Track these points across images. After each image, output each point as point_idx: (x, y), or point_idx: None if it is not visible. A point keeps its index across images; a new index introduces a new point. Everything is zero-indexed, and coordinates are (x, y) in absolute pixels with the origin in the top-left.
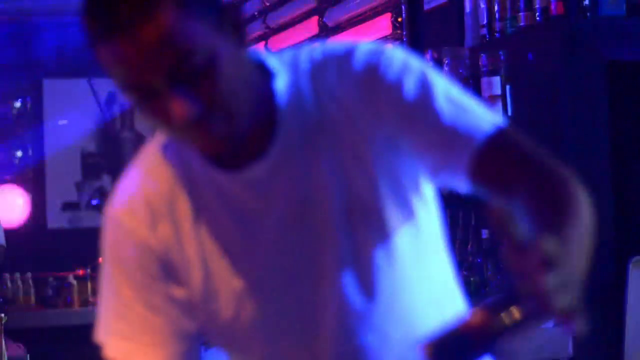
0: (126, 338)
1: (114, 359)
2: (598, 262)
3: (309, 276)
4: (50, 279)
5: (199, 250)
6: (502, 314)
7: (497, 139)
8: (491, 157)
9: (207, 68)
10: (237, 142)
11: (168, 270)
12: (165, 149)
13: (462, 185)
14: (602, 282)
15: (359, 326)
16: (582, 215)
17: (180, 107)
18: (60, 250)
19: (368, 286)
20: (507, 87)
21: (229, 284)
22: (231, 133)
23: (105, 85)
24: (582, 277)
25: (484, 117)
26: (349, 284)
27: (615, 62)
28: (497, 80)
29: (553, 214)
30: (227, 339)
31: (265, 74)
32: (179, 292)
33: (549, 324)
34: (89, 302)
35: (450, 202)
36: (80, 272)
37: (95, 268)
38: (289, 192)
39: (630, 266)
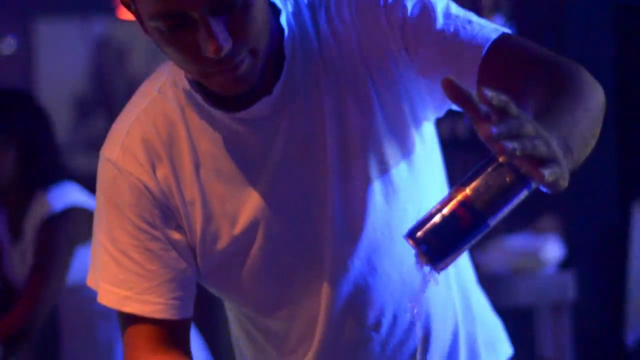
0: (120, 285)
1: (109, 305)
2: (601, 205)
3: (309, 215)
4: None
5: (199, 193)
6: (474, 183)
7: (503, 42)
8: (499, 59)
9: (244, 3)
10: (254, 81)
11: (166, 215)
12: (162, 91)
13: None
14: (605, 225)
15: (358, 265)
16: (588, 100)
17: (215, 40)
18: None
19: (364, 225)
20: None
21: (229, 226)
22: (253, 71)
23: (99, 27)
24: (576, 157)
25: (487, 26)
26: (346, 223)
27: (623, 5)
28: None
29: (552, 100)
30: (226, 282)
31: (272, 10)
32: (177, 237)
33: (550, 269)
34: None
35: (451, 146)
36: None
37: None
38: (290, 131)
39: (634, 208)
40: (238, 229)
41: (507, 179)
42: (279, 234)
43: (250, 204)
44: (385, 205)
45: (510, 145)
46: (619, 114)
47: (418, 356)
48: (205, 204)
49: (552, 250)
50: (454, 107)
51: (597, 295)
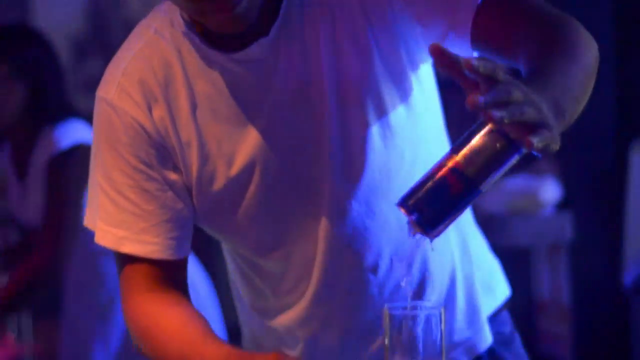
0: (117, 225)
1: (106, 245)
2: (599, 146)
3: (306, 157)
4: None
5: (195, 134)
6: (465, 149)
7: None
8: (494, 11)
9: None
10: (251, 21)
11: (163, 155)
12: (158, 31)
13: (467, 49)
14: (603, 166)
15: (356, 207)
16: (581, 59)
17: None
18: None
19: (362, 166)
20: None
21: (225, 166)
22: (251, 10)
23: None
24: (568, 118)
25: None
26: (344, 165)
27: None
28: None
29: (546, 58)
30: (222, 223)
31: None
32: (173, 177)
33: (548, 210)
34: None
35: (449, 87)
36: None
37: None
38: (287, 73)
39: (631, 150)
40: (234, 169)
41: (498, 145)
42: (275, 175)
43: (246, 145)
44: (383, 148)
45: (498, 113)
46: (617, 55)
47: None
48: (201, 145)
49: (550, 191)
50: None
51: (594, 236)
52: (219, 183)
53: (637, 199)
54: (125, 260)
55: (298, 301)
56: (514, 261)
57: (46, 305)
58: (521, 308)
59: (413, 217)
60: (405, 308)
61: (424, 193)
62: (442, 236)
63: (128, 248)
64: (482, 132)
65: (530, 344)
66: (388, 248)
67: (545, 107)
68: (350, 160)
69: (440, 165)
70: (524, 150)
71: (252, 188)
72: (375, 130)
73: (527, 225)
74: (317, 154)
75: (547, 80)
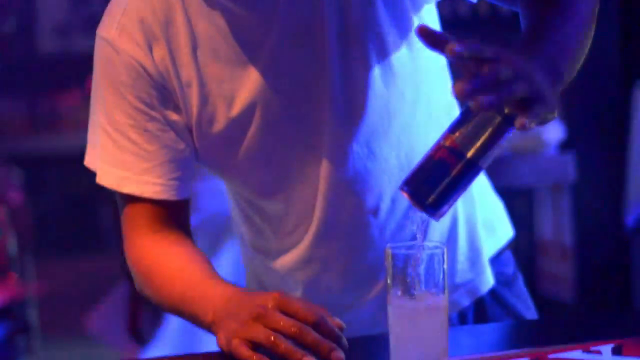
0: (119, 165)
1: (108, 186)
2: (603, 86)
3: (307, 98)
4: (44, 103)
5: (195, 74)
6: (461, 128)
7: None
8: None
9: None
10: None
11: (164, 95)
12: None
13: None
14: (606, 106)
15: (357, 149)
16: (579, 13)
17: None
18: (53, 75)
19: (363, 108)
20: None
21: (226, 107)
22: None
23: None
24: (566, 77)
25: None
26: (345, 106)
27: None
28: None
29: (543, 15)
30: (223, 164)
31: None
32: (175, 118)
33: (550, 151)
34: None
35: (452, 25)
36: (73, 97)
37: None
38: (288, 13)
39: (635, 90)
40: (235, 110)
41: (493, 122)
42: (276, 116)
43: (247, 86)
44: (384, 90)
45: (487, 99)
46: None
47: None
48: (202, 85)
49: (553, 131)
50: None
51: (597, 176)
52: (219, 124)
53: None
54: (126, 200)
55: (299, 242)
56: (517, 201)
57: (49, 245)
58: (523, 248)
59: (416, 200)
60: (407, 248)
61: (425, 176)
62: None
63: (129, 188)
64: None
65: (531, 284)
66: (389, 190)
67: (540, 75)
68: (351, 102)
69: (438, 146)
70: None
71: (252, 129)
72: (376, 71)
73: (530, 165)
74: (317, 95)
75: (545, 40)
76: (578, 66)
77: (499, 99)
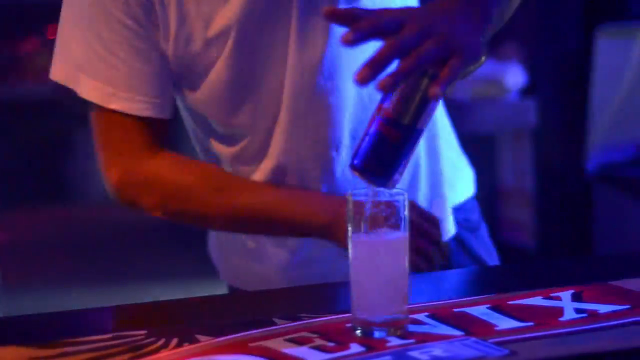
0: (105, 81)
1: (94, 100)
2: (564, 31)
3: (276, 27)
4: (3, 50)
5: None
6: (393, 97)
7: None
8: None
9: None
10: None
11: (149, 13)
12: None
13: None
14: (568, 51)
15: (320, 81)
16: None
17: None
18: (12, 21)
19: (326, 39)
20: None
21: (203, 28)
22: None
23: None
24: (492, 20)
25: None
26: (310, 36)
27: None
28: None
29: None
30: (195, 85)
31: None
32: (157, 36)
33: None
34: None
35: None
36: (33, 43)
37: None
38: None
39: (597, 36)
40: (211, 31)
41: (420, 85)
42: (249, 40)
43: (226, 8)
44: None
45: (390, 80)
46: None
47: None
48: (180, 4)
49: (514, 76)
50: None
51: (558, 123)
52: (195, 45)
53: (602, 84)
54: (110, 118)
55: (255, 173)
56: (478, 148)
57: (8, 195)
58: (484, 195)
59: (367, 177)
60: (368, 193)
61: (369, 151)
62: None
63: (117, 105)
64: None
65: (493, 230)
66: (350, 125)
67: (460, 29)
68: (313, 33)
69: (374, 120)
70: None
71: (225, 53)
72: (342, 4)
73: (490, 111)
74: (285, 22)
75: None
76: (515, 5)
77: (414, 66)
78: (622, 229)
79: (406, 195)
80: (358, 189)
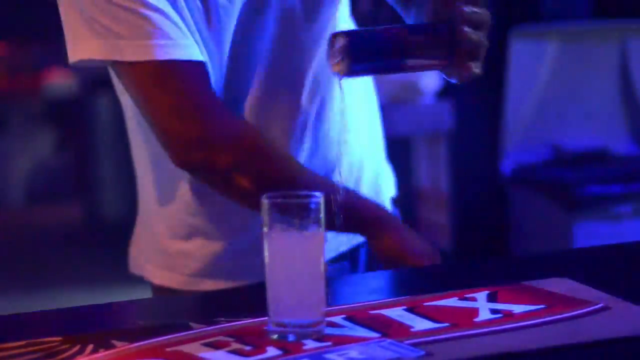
0: (149, 37)
1: (146, 57)
2: None
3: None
4: None
5: None
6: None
7: None
8: None
9: None
10: None
11: None
12: None
13: None
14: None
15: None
16: None
17: None
18: None
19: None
20: None
21: None
22: None
23: None
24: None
25: None
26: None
27: None
28: None
29: None
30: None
31: None
32: None
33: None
34: None
35: None
36: None
37: None
38: None
39: (511, 38)
40: None
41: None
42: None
43: None
44: None
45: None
46: None
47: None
48: None
49: (429, 80)
50: None
51: (474, 125)
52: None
53: (516, 87)
54: (168, 73)
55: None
56: (394, 150)
57: None
58: (401, 197)
59: (345, 42)
60: (283, 196)
61: (366, 33)
62: (357, 115)
63: (175, 53)
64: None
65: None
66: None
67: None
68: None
69: (389, 28)
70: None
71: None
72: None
73: (406, 114)
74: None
75: None
76: None
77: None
78: (536, 230)
79: (322, 199)
80: (271, 195)
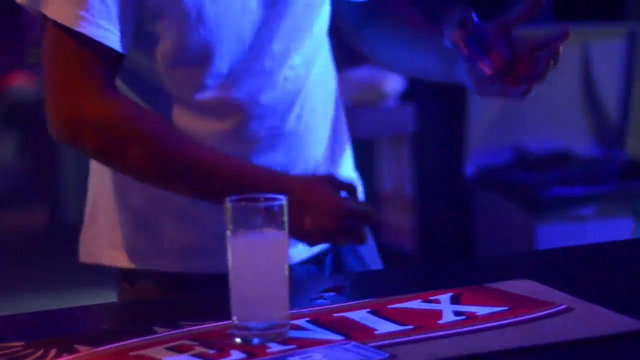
0: (76, 4)
1: (61, 20)
2: None
3: None
4: None
5: None
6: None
7: None
8: None
9: None
10: None
11: None
12: None
13: None
14: None
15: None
16: None
17: None
18: None
19: None
20: None
21: None
22: None
23: None
24: None
25: None
26: None
27: None
28: None
29: None
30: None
31: None
32: None
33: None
34: None
35: None
36: None
37: None
38: None
39: None
40: None
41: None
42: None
43: None
44: None
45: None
46: None
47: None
48: None
49: (393, 82)
50: None
51: (437, 127)
52: None
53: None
54: (69, 47)
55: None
56: (358, 152)
57: None
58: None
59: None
60: (247, 199)
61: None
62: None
63: (85, 29)
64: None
65: (374, 235)
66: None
67: None
68: None
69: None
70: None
71: None
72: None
73: (370, 116)
74: None
75: None
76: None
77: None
78: (500, 232)
79: (285, 202)
80: (234, 198)
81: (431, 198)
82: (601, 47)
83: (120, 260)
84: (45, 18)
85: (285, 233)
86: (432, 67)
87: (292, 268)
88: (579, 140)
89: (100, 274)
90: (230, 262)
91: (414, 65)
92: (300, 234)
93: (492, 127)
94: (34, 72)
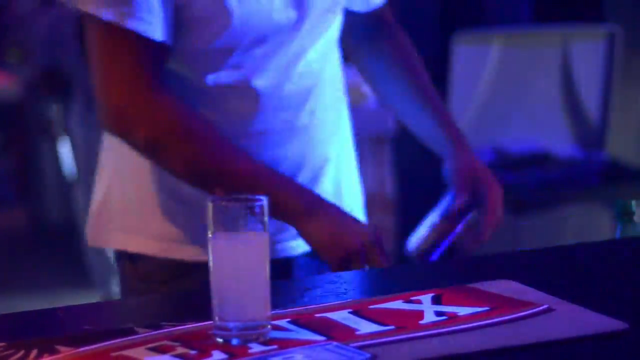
0: (120, 1)
1: (106, 18)
2: (423, 39)
3: None
4: None
5: None
6: None
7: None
8: None
9: None
10: None
11: None
12: None
13: None
14: (426, 58)
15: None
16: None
17: None
18: None
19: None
20: None
21: None
22: None
23: None
24: None
25: None
26: None
27: None
28: None
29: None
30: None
31: None
32: None
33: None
34: None
35: None
36: None
37: None
38: None
39: (453, 42)
40: None
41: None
42: None
43: None
44: None
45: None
46: None
47: None
48: None
49: None
50: None
51: None
52: None
53: (460, 90)
54: (119, 40)
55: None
56: None
57: None
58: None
59: None
60: (228, 200)
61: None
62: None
63: (133, 24)
64: None
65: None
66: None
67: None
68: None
69: None
70: None
71: None
72: None
73: (351, 117)
74: None
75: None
76: None
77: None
78: None
79: (265, 203)
80: (216, 198)
81: (412, 199)
82: (581, 49)
83: (129, 244)
84: (88, 15)
85: (266, 233)
86: (414, 127)
87: (294, 260)
88: (559, 141)
89: (82, 274)
90: (211, 263)
91: (398, 111)
92: (324, 248)
93: (473, 128)
94: (14, 73)
